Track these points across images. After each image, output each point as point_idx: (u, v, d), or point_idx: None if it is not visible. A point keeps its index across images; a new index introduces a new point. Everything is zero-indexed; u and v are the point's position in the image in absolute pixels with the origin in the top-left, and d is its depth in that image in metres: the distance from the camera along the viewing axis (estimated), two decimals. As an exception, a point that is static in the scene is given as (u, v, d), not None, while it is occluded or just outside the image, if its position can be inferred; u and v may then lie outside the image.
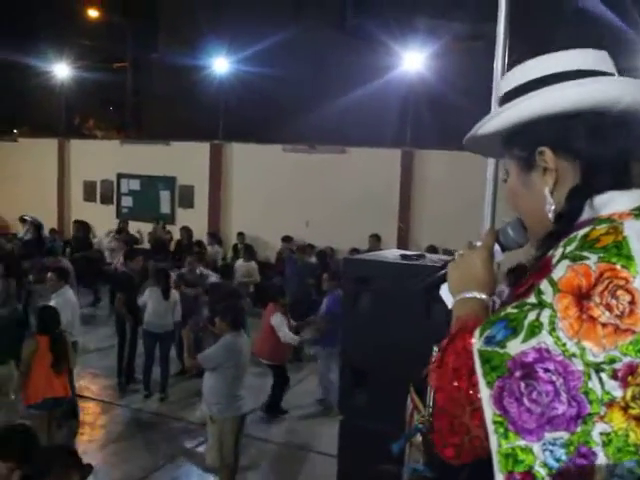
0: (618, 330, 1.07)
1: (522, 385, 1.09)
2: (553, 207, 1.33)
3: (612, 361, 1.06)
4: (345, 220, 14.35)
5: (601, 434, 1.07)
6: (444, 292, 1.58)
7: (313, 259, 13.25)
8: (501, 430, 1.10)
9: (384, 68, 14.18)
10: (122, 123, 27.03)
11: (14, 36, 23.39)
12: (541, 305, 1.11)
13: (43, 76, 21.91)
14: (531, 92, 1.34)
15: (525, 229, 1.49)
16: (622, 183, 1.27)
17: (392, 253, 4.93)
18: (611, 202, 1.25)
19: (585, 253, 1.13)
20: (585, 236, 1.17)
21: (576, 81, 1.31)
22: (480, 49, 11.08)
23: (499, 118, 1.40)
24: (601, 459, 1.07)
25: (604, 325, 1.08)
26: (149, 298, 8.88)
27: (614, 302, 1.08)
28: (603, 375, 1.07)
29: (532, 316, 1.11)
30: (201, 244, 14.20)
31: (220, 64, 16.75)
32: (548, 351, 1.08)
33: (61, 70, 20.71)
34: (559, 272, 1.13)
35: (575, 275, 1.11)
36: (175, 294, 9.14)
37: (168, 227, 16.26)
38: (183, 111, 15.90)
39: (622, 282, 1.09)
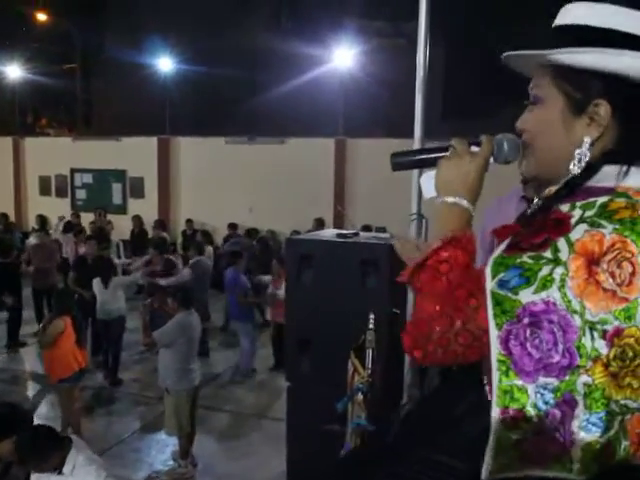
0: (615, 296, 1.10)
1: (528, 331, 1.11)
2: (587, 158, 1.28)
3: (604, 322, 1.10)
4: (286, 205, 14.40)
5: (584, 384, 1.11)
6: (425, 180, 1.45)
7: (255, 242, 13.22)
8: (503, 368, 1.12)
9: (317, 65, 14.15)
10: (73, 121, 26.36)
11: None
12: (556, 262, 1.12)
13: (-5, 78, 21.21)
14: (619, 47, 1.22)
15: (519, 150, 1.40)
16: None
17: (330, 232, 4.95)
18: (630, 176, 1.23)
19: (603, 222, 1.13)
20: (604, 205, 1.16)
21: None
22: (403, 45, 11.17)
23: (578, 56, 1.26)
24: (580, 407, 1.11)
25: (605, 290, 1.10)
26: (95, 288, 8.55)
27: (618, 271, 1.10)
28: (595, 333, 1.10)
29: (546, 270, 1.12)
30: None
31: (165, 63, 16.45)
32: (555, 305, 1.10)
33: (13, 72, 20.05)
34: (576, 234, 1.13)
35: (590, 240, 1.12)
36: (116, 281, 8.74)
37: (121, 217, 15.99)
38: (131, 108, 15.60)
39: (629, 255, 1.11)
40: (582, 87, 1.28)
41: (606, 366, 1.10)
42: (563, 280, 1.10)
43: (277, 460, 5.08)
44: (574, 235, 1.13)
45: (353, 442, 2.37)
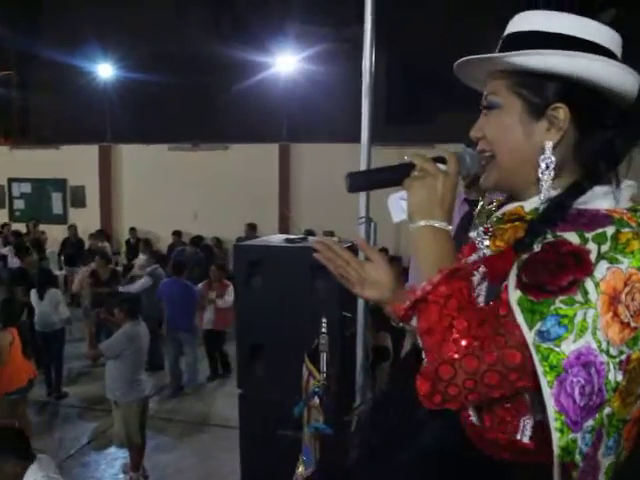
0: (628, 327, 1.12)
1: (574, 381, 1.10)
2: (553, 164, 1.27)
3: (621, 354, 1.12)
4: (231, 211, 14.33)
5: (607, 416, 1.13)
6: (393, 202, 1.37)
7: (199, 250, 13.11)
8: (559, 426, 1.11)
9: (260, 71, 14.14)
10: (9, 129, 25.69)
11: None
12: (587, 304, 1.11)
13: None
14: (580, 51, 1.23)
15: (478, 163, 1.37)
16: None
17: (278, 237, 4.96)
18: (617, 197, 1.25)
19: (619, 256, 1.13)
20: (615, 238, 1.15)
21: (622, 66, 1.25)
22: (346, 50, 11.27)
23: (533, 58, 1.23)
24: (604, 437, 1.14)
25: (622, 323, 1.12)
26: (32, 299, 8.26)
27: (632, 304, 1.12)
28: (616, 366, 1.12)
29: (580, 316, 1.10)
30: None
31: (104, 70, 16.20)
32: (590, 349, 1.10)
33: (-56, 80, 19.46)
34: (600, 273, 1.12)
35: (613, 278, 1.12)
36: (55, 293, 8.42)
37: (61, 227, 15.64)
38: (70, 116, 15.29)
39: (639, 285, 1.13)
40: (540, 91, 1.27)
41: (620, 393, 1.13)
42: (595, 322, 1.10)
43: (230, 468, 5.05)
44: (598, 274, 1.12)
45: (312, 446, 2.39)
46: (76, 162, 16.20)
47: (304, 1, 12.74)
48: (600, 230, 1.16)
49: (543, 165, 1.28)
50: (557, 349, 1.10)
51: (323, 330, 2.82)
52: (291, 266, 4.21)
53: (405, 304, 1.25)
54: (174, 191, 15.13)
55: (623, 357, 1.12)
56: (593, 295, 1.11)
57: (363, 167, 3.79)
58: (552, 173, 1.27)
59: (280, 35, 13.73)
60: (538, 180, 1.29)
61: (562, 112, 1.26)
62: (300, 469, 2.53)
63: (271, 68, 14.41)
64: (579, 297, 1.11)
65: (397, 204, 1.37)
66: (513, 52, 1.25)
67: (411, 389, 1.23)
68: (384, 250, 10.75)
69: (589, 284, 1.11)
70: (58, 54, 14.35)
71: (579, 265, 1.13)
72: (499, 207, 1.40)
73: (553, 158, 1.27)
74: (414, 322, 1.26)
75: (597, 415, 1.11)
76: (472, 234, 1.44)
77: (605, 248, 1.14)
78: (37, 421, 7.45)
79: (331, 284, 4.04)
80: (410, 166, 1.34)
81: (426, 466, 1.36)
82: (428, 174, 1.32)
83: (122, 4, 13.95)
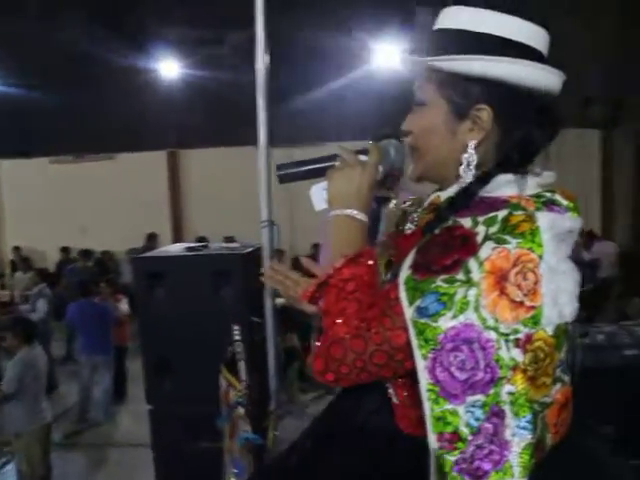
0: (523, 306, 1.16)
1: (451, 356, 1.14)
2: (474, 162, 1.32)
3: (516, 332, 1.16)
4: (120, 223, 13.95)
5: (508, 394, 1.16)
6: (315, 192, 1.42)
7: (91, 264, 12.71)
8: (433, 397, 1.15)
9: (140, 77, 13.78)
10: None
11: None
12: (469, 283, 1.15)
13: None
14: (499, 53, 1.27)
15: (405, 155, 1.42)
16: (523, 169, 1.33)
17: (177, 247, 4.84)
18: (521, 185, 1.29)
19: (507, 237, 1.17)
20: (505, 220, 1.20)
21: (547, 67, 1.30)
22: (233, 54, 11.21)
23: (458, 64, 1.29)
24: (509, 416, 1.16)
25: (514, 302, 1.15)
26: None
27: (524, 282, 1.16)
28: (510, 344, 1.15)
29: (461, 293, 1.15)
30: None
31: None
32: (472, 326, 1.14)
33: None
34: (485, 252, 1.17)
35: (497, 257, 1.16)
36: None
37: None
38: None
39: (531, 265, 1.17)
40: (464, 92, 1.32)
41: (524, 372, 1.16)
42: (477, 301, 1.15)
43: (145, 488, 4.90)
44: (482, 254, 1.17)
45: (245, 458, 2.34)
46: (-49, 181, 15.33)
47: (186, 6, 12.50)
48: (492, 214, 1.22)
49: (465, 163, 1.34)
50: (434, 324, 1.15)
51: (237, 338, 2.78)
52: (194, 275, 4.12)
53: (310, 287, 1.31)
54: (59, 205, 14.59)
55: (520, 335, 1.15)
56: (476, 274, 1.16)
57: (262, 167, 3.74)
58: (473, 170, 1.33)
59: (162, 40, 13.44)
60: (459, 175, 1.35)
61: (485, 113, 1.32)
62: (231, 483, 2.48)
63: (152, 74, 14.09)
64: (461, 276, 1.16)
65: (320, 194, 1.42)
66: (437, 57, 1.31)
67: (347, 393, 1.25)
68: (280, 252, 10.77)
69: (472, 264, 1.16)
70: None
71: (464, 246, 1.19)
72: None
73: (475, 156, 1.33)
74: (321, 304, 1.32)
75: (491, 391, 1.15)
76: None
77: (493, 230, 1.19)
78: None
79: (237, 290, 3.98)
80: (335, 157, 1.40)
81: (364, 461, 1.37)
82: (347, 165, 1.38)
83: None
